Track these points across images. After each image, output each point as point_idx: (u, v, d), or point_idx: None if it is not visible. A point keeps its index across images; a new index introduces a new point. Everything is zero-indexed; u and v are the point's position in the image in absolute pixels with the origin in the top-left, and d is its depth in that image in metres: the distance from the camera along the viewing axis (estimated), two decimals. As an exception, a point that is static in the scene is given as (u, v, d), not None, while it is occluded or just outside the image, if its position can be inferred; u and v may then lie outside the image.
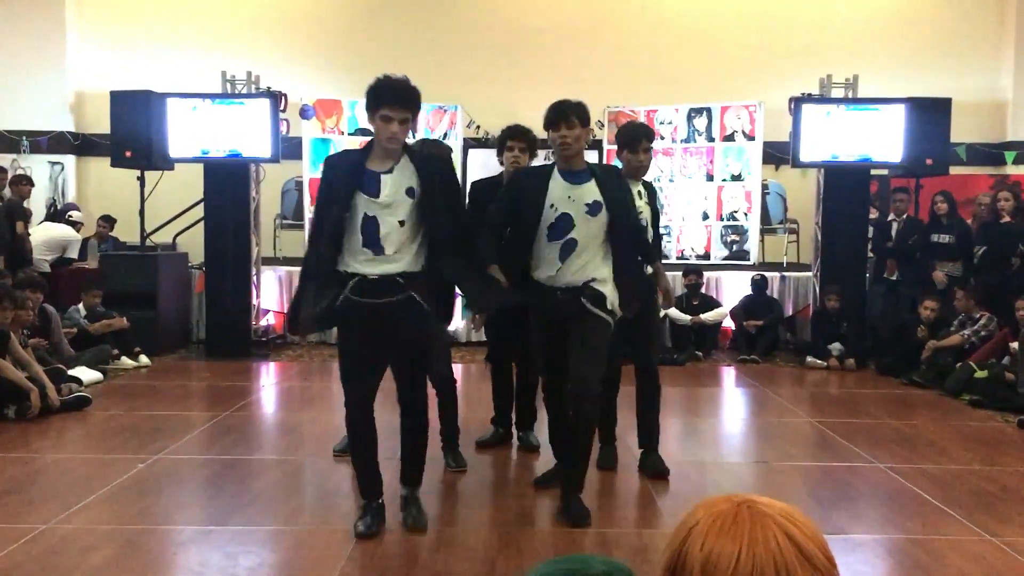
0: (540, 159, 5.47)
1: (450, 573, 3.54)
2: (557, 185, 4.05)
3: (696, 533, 1.03)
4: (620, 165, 4.86)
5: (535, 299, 4.10)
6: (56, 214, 10.07)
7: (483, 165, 10.12)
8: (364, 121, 9.91)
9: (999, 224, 8.42)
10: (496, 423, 5.49)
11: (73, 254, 9.66)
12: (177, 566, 3.68)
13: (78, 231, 9.97)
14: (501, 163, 5.04)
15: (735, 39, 11.17)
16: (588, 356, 3.97)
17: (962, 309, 7.95)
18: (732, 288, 9.73)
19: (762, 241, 10.25)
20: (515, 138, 4.93)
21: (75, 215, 10.14)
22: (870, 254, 9.27)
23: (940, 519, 4.22)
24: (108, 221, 10.31)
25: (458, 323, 9.43)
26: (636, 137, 4.76)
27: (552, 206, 4.01)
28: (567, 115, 4.02)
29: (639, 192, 4.74)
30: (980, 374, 7.06)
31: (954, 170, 9.55)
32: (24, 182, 9.76)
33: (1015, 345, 7.13)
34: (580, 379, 3.97)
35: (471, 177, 9.65)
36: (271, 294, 9.71)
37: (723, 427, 6.71)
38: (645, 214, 4.72)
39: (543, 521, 4.21)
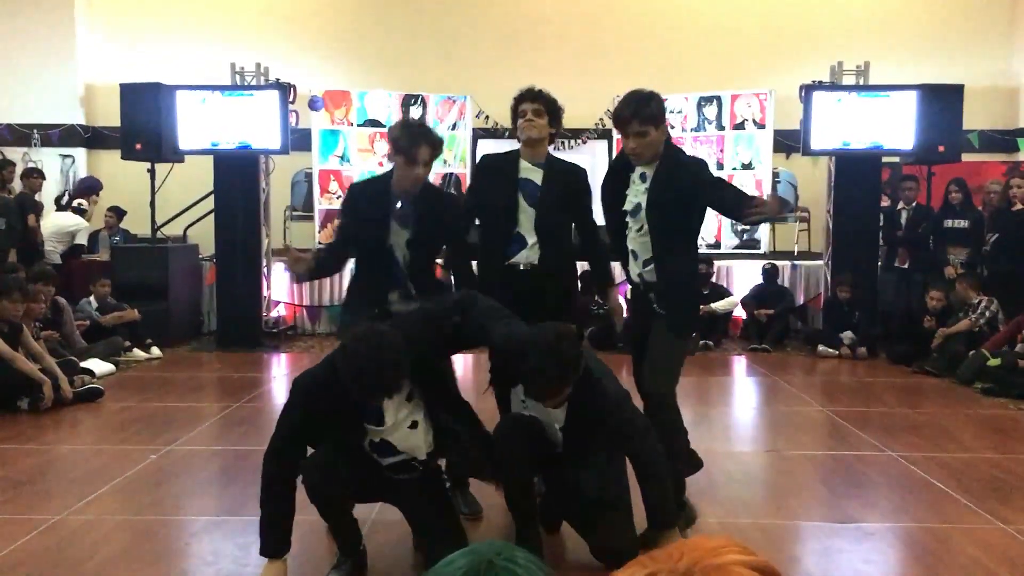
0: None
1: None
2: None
3: None
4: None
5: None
6: (65, 202, 10.10)
7: (492, 155, 10.11)
8: (372, 112, 10.00)
9: (1012, 211, 8.36)
10: None
11: (82, 240, 9.68)
12: (189, 556, 3.70)
13: (87, 219, 10.00)
14: (518, 138, 4.20)
15: (745, 26, 11.11)
16: None
17: (961, 298, 7.90)
18: (743, 277, 9.70)
19: (773, 230, 10.21)
20: (526, 100, 4.15)
21: (82, 202, 10.15)
22: (881, 242, 9.22)
23: (952, 507, 4.20)
24: (116, 212, 10.33)
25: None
26: (621, 119, 3.78)
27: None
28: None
29: (642, 175, 3.84)
30: (993, 362, 7.02)
31: (966, 157, 9.48)
32: (35, 175, 9.79)
33: (1028, 333, 7.10)
34: None
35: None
36: (281, 285, 9.73)
37: (734, 416, 6.70)
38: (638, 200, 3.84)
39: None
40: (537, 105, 4.11)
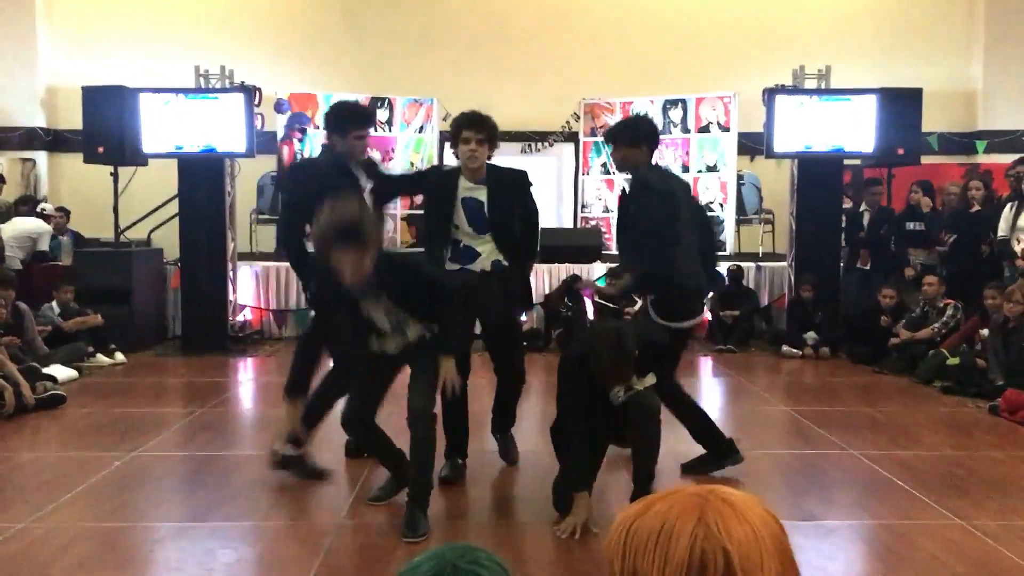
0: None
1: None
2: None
3: (679, 533, 0.98)
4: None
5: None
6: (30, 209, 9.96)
7: (459, 158, 10.11)
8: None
9: (969, 213, 8.52)
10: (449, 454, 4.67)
11: (44, 246, 9.53)
12: (155, 563, 3.68)
13: (50, 224, 9.85)
14: (455, 155, 4.64)
15: (709, 30, 11.22)
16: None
17: (931, 295, 7.97)
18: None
19: (738, 232, 10.31)
20: (472, 127, 4.53)
21: (46, 207, 10.01)
22: (844, 244, 9.35)
23: (911, 504, 4.28)
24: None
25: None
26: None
27: None
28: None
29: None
30: (952, 361, 7.14)
31: (926, 159, 9.64)
32: (-6, 179, 9.64)
33: (985, 332, 7.22)
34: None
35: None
36: (247, 289, 9.67)
37: (699, 416, 6.74)
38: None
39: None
40: (481, 135, 4.50)
